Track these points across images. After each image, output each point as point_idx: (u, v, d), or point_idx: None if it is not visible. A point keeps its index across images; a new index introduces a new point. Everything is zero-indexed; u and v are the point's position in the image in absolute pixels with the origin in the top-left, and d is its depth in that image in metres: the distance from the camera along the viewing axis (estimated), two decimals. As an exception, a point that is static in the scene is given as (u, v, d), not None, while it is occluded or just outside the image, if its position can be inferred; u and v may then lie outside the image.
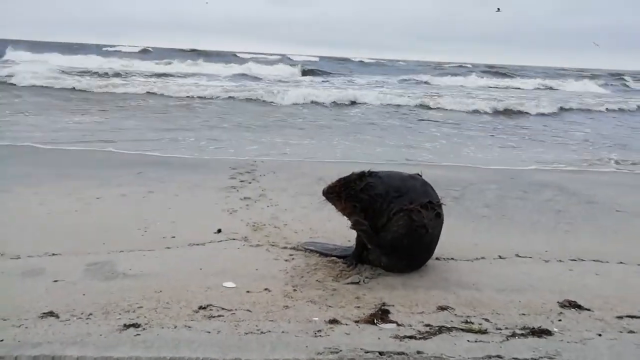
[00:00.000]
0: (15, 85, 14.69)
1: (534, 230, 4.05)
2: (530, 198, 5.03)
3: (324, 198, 3.08)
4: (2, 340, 2.09)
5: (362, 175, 2.95)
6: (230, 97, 14.36)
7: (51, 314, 2.35)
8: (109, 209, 4.10)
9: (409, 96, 16.13)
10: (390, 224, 2.84)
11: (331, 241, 3.44)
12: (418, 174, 3.07)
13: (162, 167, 5.79)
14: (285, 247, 3.33)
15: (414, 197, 2.88)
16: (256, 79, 23.15)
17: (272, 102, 13.86)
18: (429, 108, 14.22)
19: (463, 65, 50.61)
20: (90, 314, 2.36)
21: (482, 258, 3.32)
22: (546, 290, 2.88)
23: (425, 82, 26.02)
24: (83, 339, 2.12)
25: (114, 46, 49.55)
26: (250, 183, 5.13)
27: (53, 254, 3.11)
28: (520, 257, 3.40)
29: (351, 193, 2.92)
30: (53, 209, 4.02)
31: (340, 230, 3.49)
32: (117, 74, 19.80)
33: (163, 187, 4.85)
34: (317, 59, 50.17)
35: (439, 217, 2.93)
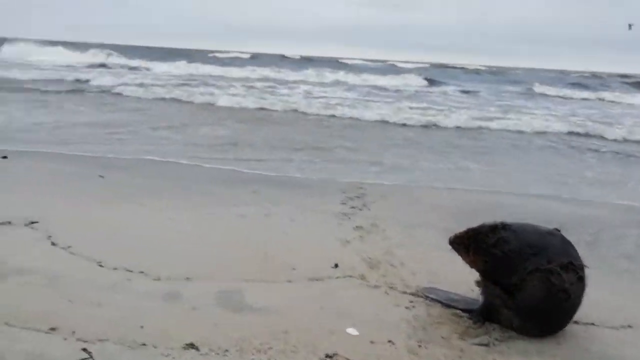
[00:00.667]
0: (123, 95, 15.21)
1: (692, 292, 3.50)
2: (683, 248, 4.37)
3: (450, 247, 2.98)
4: (155, 371, 2.31)
5: (494, 228, 2.78)
6: (352, 116, 13.32)
7: (192, 345, 2.55)
8: (231, 231, 4.35)
9: (544, 114, 14.84)
10: (525, 284, 2.65)
11: (453, 288, 3.30)
12: (557, 229, 2.82)
13: (276, 186, 6.02)
14: (404, 292, 3.26)
15: (553, 256, 2.65)
16: (376, 87, 22.40)
17: (398, 121, 12.80)
18: (583, 135, 11.98)
19: (596, 74, 43.41)
20: (226, 350, 2.52)
21: (629, 327, 2.94)
22: None
23: (561, 97, 23.30)
24: (222, 379, 2.27)
25: (213, 51, 51.19)
26: (361, 210, 5.14)
27: (187, 278, 3.37)
28: (676, 328, 2.96)
29: (482, 246, 2.77)
30: (179, 227, 4.35)
31: (463, 277, 3.33)
32: (234, 84, 20.27)
33: (278, 209, 5.04)
34: (427, 65, 48.58)
35: (581, 280, 2.66)
